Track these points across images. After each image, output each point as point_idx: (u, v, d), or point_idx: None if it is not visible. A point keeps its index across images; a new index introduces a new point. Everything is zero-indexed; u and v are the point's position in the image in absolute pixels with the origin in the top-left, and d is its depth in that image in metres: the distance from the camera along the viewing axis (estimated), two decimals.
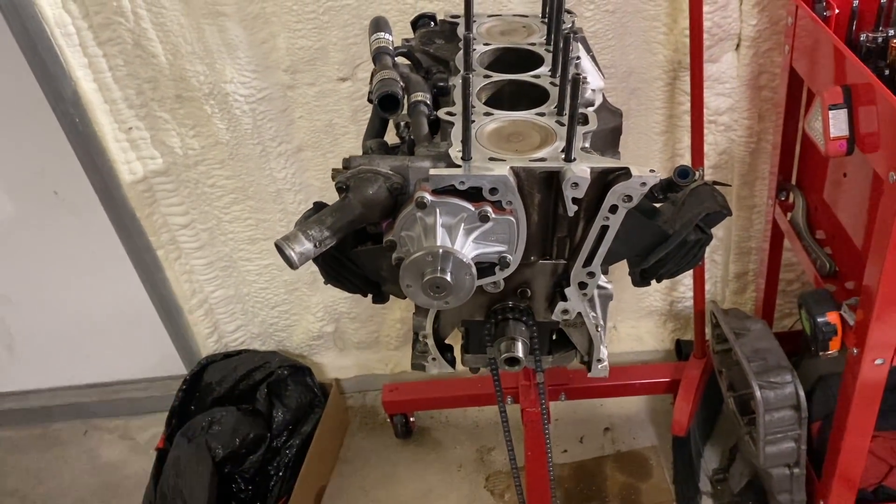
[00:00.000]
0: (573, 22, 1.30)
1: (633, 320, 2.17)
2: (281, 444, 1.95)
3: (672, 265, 1.12)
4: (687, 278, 2.03)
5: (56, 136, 1.75)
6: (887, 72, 1.28)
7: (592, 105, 1.18)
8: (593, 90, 1.20)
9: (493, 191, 0.90)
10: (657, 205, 1.13)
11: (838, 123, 1.18)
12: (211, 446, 1.85)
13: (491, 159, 0.93)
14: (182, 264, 2.02)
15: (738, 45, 1.66)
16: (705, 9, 1.55)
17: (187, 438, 1.89)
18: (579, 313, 1.06)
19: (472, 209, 0.90)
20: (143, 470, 2.03)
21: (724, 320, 1.60)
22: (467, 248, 0.92)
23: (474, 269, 0.90)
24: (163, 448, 1.96)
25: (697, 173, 1.14)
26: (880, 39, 1.30)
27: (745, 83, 1.70)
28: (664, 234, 1.07)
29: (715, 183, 1.18)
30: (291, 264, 0.89)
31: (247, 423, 1.91)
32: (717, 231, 1.94)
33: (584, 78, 1.16)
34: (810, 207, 1.57)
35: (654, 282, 1.19)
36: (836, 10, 1.35)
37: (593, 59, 1.30)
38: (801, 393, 1.43)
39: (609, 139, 1.20)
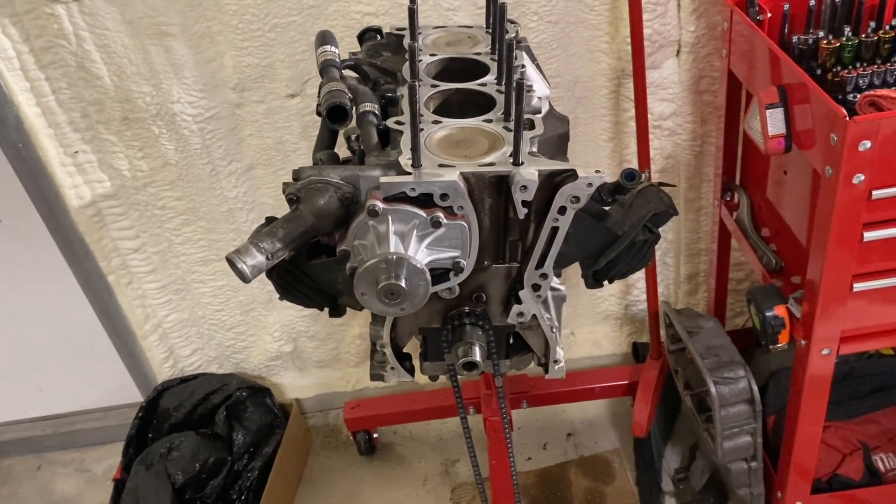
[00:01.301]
0: (517, 31, 1.33)
1: (589, 325, 2.20)
2: (242, 467, 1.92)
3: (623, 265, 1.14)
4: (640, 281, 2.07)
5: None
6: (819, 71, 1.33)
7: (539, 112, 1.20)
8: (539, 98, 1.22)
9: (443, 196, 0.91)
10: (606, 207, 1.16)
11: (775, 122, 1.22)
12: (170, 473, 1.81)
13: (441, 165, 0.94)
14: (134, 289, 1.98)
15: (678, 52, 1.71)
16: (645, 17, 1.59)
17: (145, 466, 1.84)
18: (534, 315, 1.07)
19: (424, 215, 0.91)
20: (101, 503, 1.97)
21: (677, 320, 1.63)
22: (421, 255, 0.93)
23: (428, 275, 0.90)
24: (120, 479, 1.91)
25: (643, 175, 1.17)
26: (811, 41, 1.35)
27: (686, 88, 1.74)
28: (613, 234, 1.10)
29: (661, 184, 1.21)
30: (244, 277, 0.89)
31: (206, 448, 1.88)
32: (667, 233, 1.98)
33: (530, 86, 1.19)
34: (754, 206, 1.61)
35: (606, 283, 1.21)
36: (769, 14, 1.40)
37: (538, 67, 1.33)
38: (755, 387, 1.46)
39: (557, 145, 1.23)
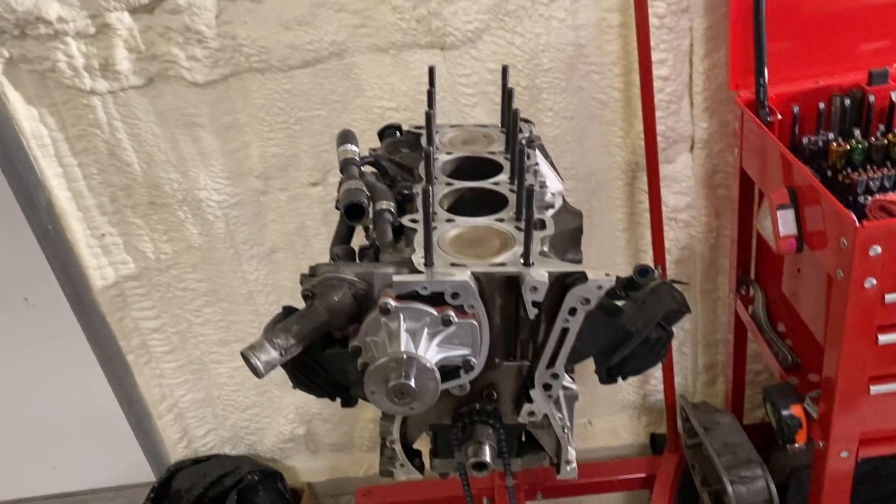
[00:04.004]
0: (531, 130, 1.37)
1: (607, 415, 2.17)
2: None
3: (636, 362, 1.14)
4: (657, 371, 2.05)
5: (28, 243, 1.77)
6: (829, 173, 1.35)
7: (552, 208, 1.23)
8: (553, 194, 1.25)
9: (455, 295, 0.93)
10: (619, 302, 1.16)
11: (787, 223, 1.24)
12: None
13: (452, 265, 0.96)
14: (152, 368, 2.00)
15: (692, 147, 1.74)
16: (658, 114, 1.63)
17: None
18: (546, 415, 1.07)
19: (435, 314, 0.92)
20: None
21: (693, 414, 1.61)
22: (431, 352, 0.94)
23: (438, 374, 0.91)
24: None
25: (656, 271, 1.18)
26: (821, 142, 1.37)
27: (700, 182, 1.77)
28: (627, 332, 1.10)
29: (673, 281, 1.22)
30: (257, 373, 0.90)
31: None
32: (685, 323, 1.97)
33: (543, 182, 1.22)
34: (770, 301, 1.61)
35: (620, 379, 1.21)
36: (779, 116, 1.43)
37: (552, 164, 1.36)
38: (773, 487, 1.43)
39: (571, 239, 1.24)
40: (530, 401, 1.04)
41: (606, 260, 1.85)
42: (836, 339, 1.17)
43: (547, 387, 1.04)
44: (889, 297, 1.09)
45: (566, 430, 1.09)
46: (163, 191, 1.73)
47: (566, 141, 1.73)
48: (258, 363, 0.89)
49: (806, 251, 1.26)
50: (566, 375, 1.07)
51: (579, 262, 1.20)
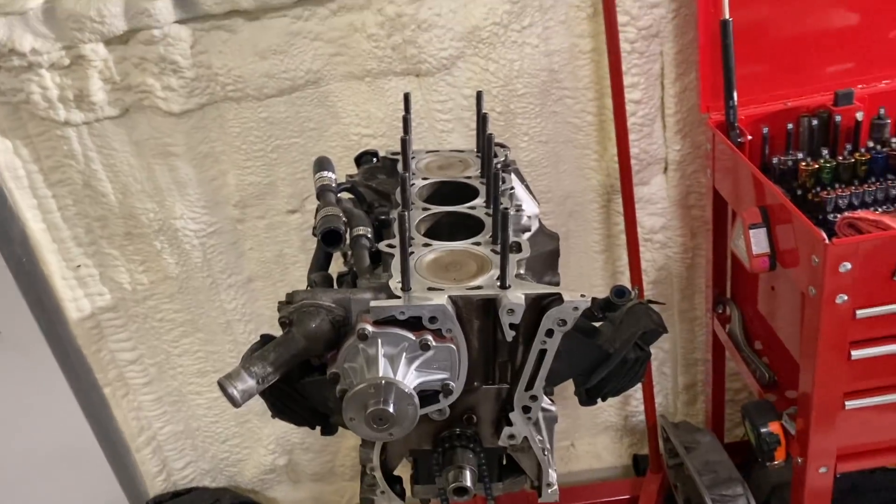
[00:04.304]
0: (506, 155, 1.38)
1: (589, 437, 2.17)
2: None
3: (615, 383, 1.15)
4: (638, 391, 2.06)
5: (2, 275, 1.74)
6: (799, 191, 1.38)
7: (529, 230, 1.24)
8: (529, 217, 1.26)
9: (432, 319, 0.93)
10: (598, 324, 1.17)
11: (759, 242, 1.25)
12: None
13: (430, 289, 0.96)
14: (129, 401, 1.98)
15: (665, 169, 1.77)
16: (631, 137, 1.66)
17: None
18: (526, 437, 1.06)
19: (413, 338, 0.93)
20: None
21: (673, 434, 1.62)
22: (409, 377, 0.94)
23: (416, 399, 0.91)
24: None
25: (633, 292, 1.19)
26: (790, 162, 1.40)
27: (675, 203, 1.79)
28: (605, 352, 1.11)
29: (650, 301, 1.23)
30: (234, 403, 0.90)
31: None
32: (664, 343, 1.98)
33: (518, 206, 1.23)
34: (746, 319, 1.63)
35: (600, 400, 1.21)
36: (749, 137, 1.46)
37: (528, 187, 1.38)
38: None
39: (548, 262, 1.25)
40: (510, 424, 1.04)
41: (584, 281, 1.86)
42: (810, 355, 1.19)
43: (526, 409, 1.04)
44: (860, 313, 1.11)
45: (546, 453, 1.09)
46: (139, 221, 1.72)
47: (542, 165, 1.74)
48: (234, 392, 0.88)
49: (779, 269, 1.28)
50: (545, 397, 1.08)
51: (556, 284, 1.21)
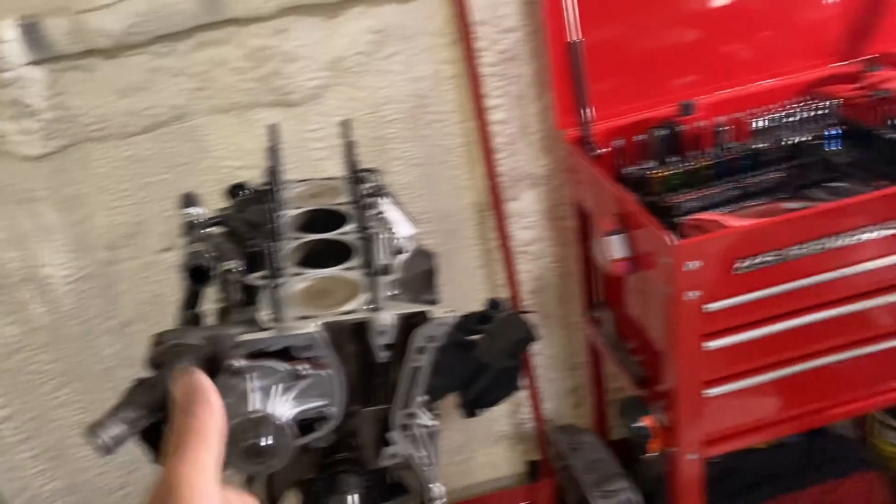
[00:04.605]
0: (377, 179, 1.41)
1: (486, 447, 2.22)
2: None
3: (494, 393, 1.19)
4: (528, 399, 2.12)
5: None
6: (652, 198, 1.48)
7: (404, 252, 1.27)
8: (404, 238, 1.29)
9: (305, 348, 0.94)
10: (476, 336, 1.21)
11: (616, 247, 1.34)
12: None
13: (301, 318, 0.97)
14: (6, 461, 1.87)
15: (534, 184, 1.85)
16: (500, 155, 1.73)
17: None
18: (409, 455, 1.09)
19: (286, 369, 0.93)
20: None
21: (558, 438, 1.69)
22: (285, 408, 0.94)
23: (291, 430, 0.92)
24: None
25: (505, 303, 1.24)
26: (642, 171, 1.50)
27: (545, 216, 1.87)
28: (482, 364, 1.15)
29: (521, 312, 1.29)
30: (106, 450, 0.88)
31: None
32: (547, 349, 2.06)
33: (390, 229, 1.26)
34: (619, 321, 1.72)
35: (481, 411, 1.26)
36: (604, 150, 1.55)
37: (402, 209, 1.41)
38: (636, 497, 1.51)
39: (425, 281, 1.28)
40: (390, 443, 1.06)
41: (467, 296, 1.91)
42: (670, 350, 1.27)
43: (405, 427, 1.06)
44: (707, 307, 1.20)
45: (429, 468, 1.12)
46: (3, 271, 1.64)
47: (418, 187, 1.79)
48: (103, 440, 0.86)
49: (641, 272, 1.37)
50: (425, 413, 1.11)
51: (434, 302, 1.24)
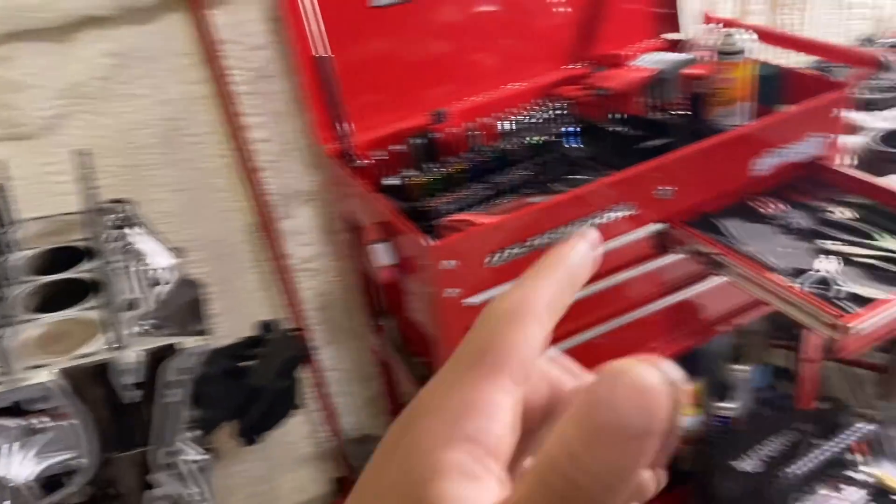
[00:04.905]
0: (125, 210, 1.34)
1: (290, 472, 2.17)
2: None
3: (272, 417, 1.17)
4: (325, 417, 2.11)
5: None
6: (412, 204, 1.52)
7: (163, 283, 1.22)
8: (161, 270, 1.24)
9: (40, 399, 0.87)
10: (250, 362, 1.18)
11: (383, 255, 1.36)
12: None
13: (32, 367, 0.90)
14: None
15: (308, 200, 1.84)
16: (268, 173, 1.71)
17: None
18: (180, 494, 1.04)
19: (19, 425, 0.86)
20: None
21: (354, 450, 1.69)
22: (25, 467, 0.87)
23: (32, 491, 0.85)
24: None
25: (276, 324, 1.22)
26: (403, 179, 1.54)
27: (322, 231, 1.87)
28: (254, 389, 1.13)
29: (290, 331, 1.28)
30: None
31: None
32: (342, 363, 2.05)
33: (143, 260, 1.20)
34: (402, 327, 1.76)
35: (263, 437, 1.23)
36: (366, 161, 1.58)
37: (159, 239, 1.35)
38: None
39: (191, 311, 1.24)
40: (154, 486, 1.01)
41: (247, 322, 1.85)
42: (439, 346, 1.32)
43: (171, 466, 1.01)
44: (466, 302, 1.26)
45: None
46: None
47: (183, 214, 1.71)
48: None
49: (407, 276, 1.41)
50: (192, 448, 1.06)
51: (203, 332, 1.20)
